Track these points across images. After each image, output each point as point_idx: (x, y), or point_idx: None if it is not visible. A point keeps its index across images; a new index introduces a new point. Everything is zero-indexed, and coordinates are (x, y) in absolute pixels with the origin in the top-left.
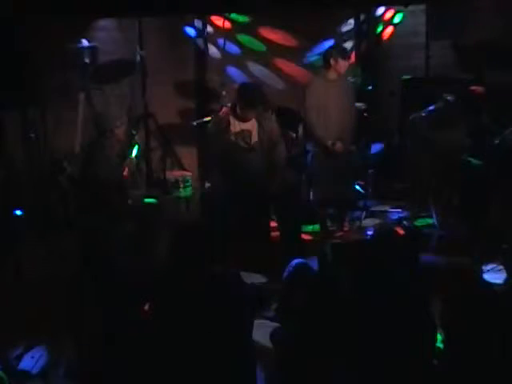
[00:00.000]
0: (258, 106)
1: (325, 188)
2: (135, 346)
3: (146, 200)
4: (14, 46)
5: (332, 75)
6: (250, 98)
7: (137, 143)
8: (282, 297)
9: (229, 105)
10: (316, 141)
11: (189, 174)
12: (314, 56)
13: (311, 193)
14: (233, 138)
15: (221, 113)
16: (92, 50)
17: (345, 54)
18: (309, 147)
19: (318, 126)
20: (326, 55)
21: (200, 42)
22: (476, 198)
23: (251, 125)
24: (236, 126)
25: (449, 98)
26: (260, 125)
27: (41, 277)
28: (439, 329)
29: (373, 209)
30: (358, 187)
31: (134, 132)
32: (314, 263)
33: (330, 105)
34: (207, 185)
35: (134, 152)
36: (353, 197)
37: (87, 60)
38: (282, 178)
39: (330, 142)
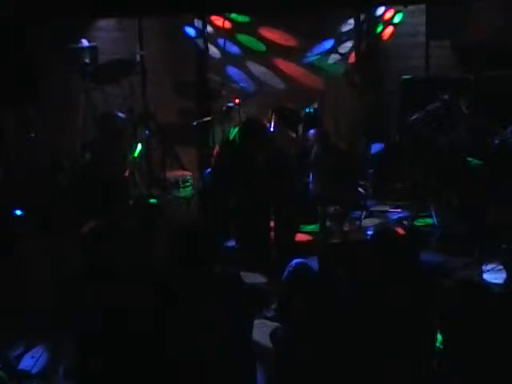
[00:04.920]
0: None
1: (325, 187)
2: (135, 346)
3: (147, 200)
4: (14, 46)
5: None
6: (259, 139)
7: (140, 142)
8: (282, 297)
9: (231, 104)
10: (317, 140)
11: (189, 173)
12: (314, 56)
13: (311, 192)
14: None
15: None
16: (92, 49)
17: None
18: (310, 147)
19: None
20: None
21: (200, 42)
22: (476, 197)
23: None
24: None
25: (446, 97)
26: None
27: (41, 277)
28: (439, 329)
29: (373, 209)
30: (358, 187)
31: (135, 131)
32: (314, 263)
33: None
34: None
35: (137, 150)
36: (353, 196)
37: (87, 60)
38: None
39: (331, 142)
